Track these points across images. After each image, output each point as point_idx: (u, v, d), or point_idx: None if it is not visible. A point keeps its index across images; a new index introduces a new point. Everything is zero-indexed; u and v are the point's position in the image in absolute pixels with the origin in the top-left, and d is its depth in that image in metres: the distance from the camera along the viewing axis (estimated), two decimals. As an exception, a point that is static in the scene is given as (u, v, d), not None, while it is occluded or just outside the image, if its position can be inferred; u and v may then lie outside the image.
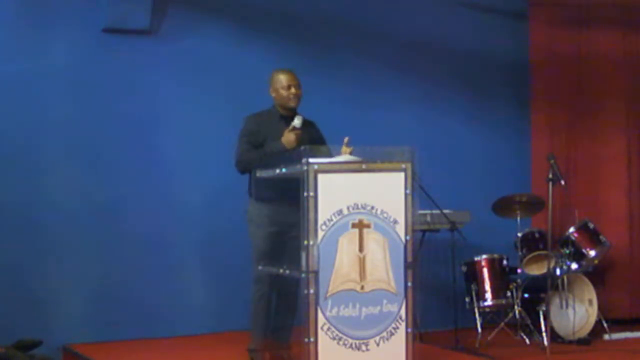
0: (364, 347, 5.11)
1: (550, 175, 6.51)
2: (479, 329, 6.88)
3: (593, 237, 7.20)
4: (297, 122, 5.63)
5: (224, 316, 6.94)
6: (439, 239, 7.10)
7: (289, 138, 5.59)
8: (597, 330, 7.06)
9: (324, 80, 6.97)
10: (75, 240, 6.63)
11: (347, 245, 5.08)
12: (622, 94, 7.92)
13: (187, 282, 6.97)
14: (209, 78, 7.02)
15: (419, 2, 7.64)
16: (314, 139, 5.66)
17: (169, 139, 6.92)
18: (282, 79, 5.78)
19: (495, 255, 7.05)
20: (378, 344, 5.14)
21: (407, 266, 5.21)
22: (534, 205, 7.07)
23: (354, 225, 5.11)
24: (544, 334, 6.64)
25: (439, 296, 7.26)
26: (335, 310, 5.04)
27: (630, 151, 7.91)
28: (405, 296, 5.20)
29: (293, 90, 5.76)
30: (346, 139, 5.35)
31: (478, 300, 6.94)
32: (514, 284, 6.95)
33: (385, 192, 5.19)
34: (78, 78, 6.67)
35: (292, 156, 5.31)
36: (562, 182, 6.53)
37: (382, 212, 5.16)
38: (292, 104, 5.77)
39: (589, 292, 7.02)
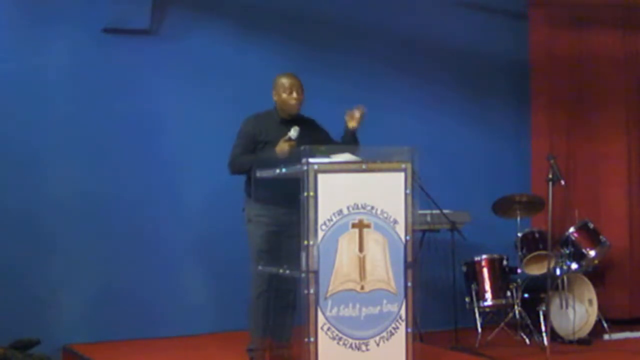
0: (364, 347, 5.11)
1: (550, 175, 6.51)
2: (479, 329, 6.88)
3: (593, 237, 7.20)
4: (293, 133, 5.59)
5: (224, 316, 6.94)
6: (439, 239, 7.11)
7: (282, 148, 5.56)
8: (597, 330, 7.06)
9: (324, 80, 6.96)
10: (75, 240, 6.63)
11: (347, 245, 5.08)
12: (622, 94, 7.92)
13: (186, 282, 6.98)
14: (209, 78, 7.02)
15: (419, 3, 7.64)
16: (317, 141, 5.61)
17: (168, 138, 6.92)
18: (285, 82, 5.77)
19: (495, 255, 7.05)
20: (378, 344, 5.14)
21: (407, 266, 5.21)
22: (534, 205, 7.07)
23: (354, 225, 5.11)
24: (544, 334, 6.63)
25: (439, 296, 7.26)
26: (335, 310, 5.04)
27: (630, 151, 7.91)
28: (405, 296, 5.20)
29: (295, 94, 5.75)
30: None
31: (478, 300, 6.95)
32: (514, 284, 6.95)
33: (385, 192, 5.19)
34: (78, 78, 6.67)
35: (290, 158, 5.32)
36: (562, 182, 6.53)
37: (382, 212, 5.16)
38: (293, 110, 5.76)
39: (589, 292, 7.02)
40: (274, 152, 5.58)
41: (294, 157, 5.24)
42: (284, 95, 5.76)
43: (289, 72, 5.87)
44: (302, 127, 5.71)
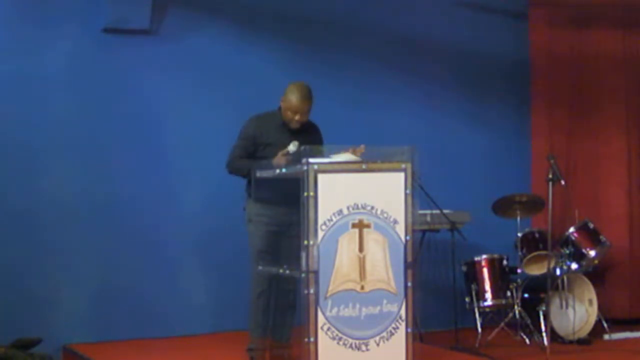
0: (364, 347, 5.11)
1: (550, 175, 6.51)
2: (479, 329, 6.88)
3: (593, 237, 7.20)
4: (292, 147, 5.56)
5: (224, 316, 6.95)
6: (439, 239, 7.11)
7: (279, 161, 5.53)
8: (597, 330, 7.06)
9: (324, 80, 6.95)
10: (75, 240, 6.63)
11: (347, 245, 5.08)
12: (622, 94, 7.92)
13: (186, 281, 6.97)
14: (209, 78, 7.02)
15: (419, 3, 7.64)
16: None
17: (168, 138, 6.92)
18: (294, 103, 5.66)
19: (495, 255, 7.05)
20: (378, 344, 5.14)
21: (407, 266, 5.21)
22: (534, 205, 7.07)
23: (354, 225, 5.10)
24: (544, 334, 6.64)
25: (439, 296, 7.26)
26: (335, 310, 5.04)
27: (630, 151, 7.91)
28: (405, 296, 5.20)
29: (298, 117, 5.71)
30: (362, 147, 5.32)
31: (478, 300, 6.95)
32: (514, 284, 6.95)
33: (385, 192, 5.19)
34: (78, 78, 6.67)
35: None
36: (562, 182, 6.53)
37: (382, 212, 5.16)
38: (291, 127, 5.74)
39: (589, 292, 7.02)
40: (270, 163, 5.57)
41: (291, 165, 5.25)
42: (289, 114, 5.70)
43: (303, 84, 5.71)
44: (303, 132, 5.71)
